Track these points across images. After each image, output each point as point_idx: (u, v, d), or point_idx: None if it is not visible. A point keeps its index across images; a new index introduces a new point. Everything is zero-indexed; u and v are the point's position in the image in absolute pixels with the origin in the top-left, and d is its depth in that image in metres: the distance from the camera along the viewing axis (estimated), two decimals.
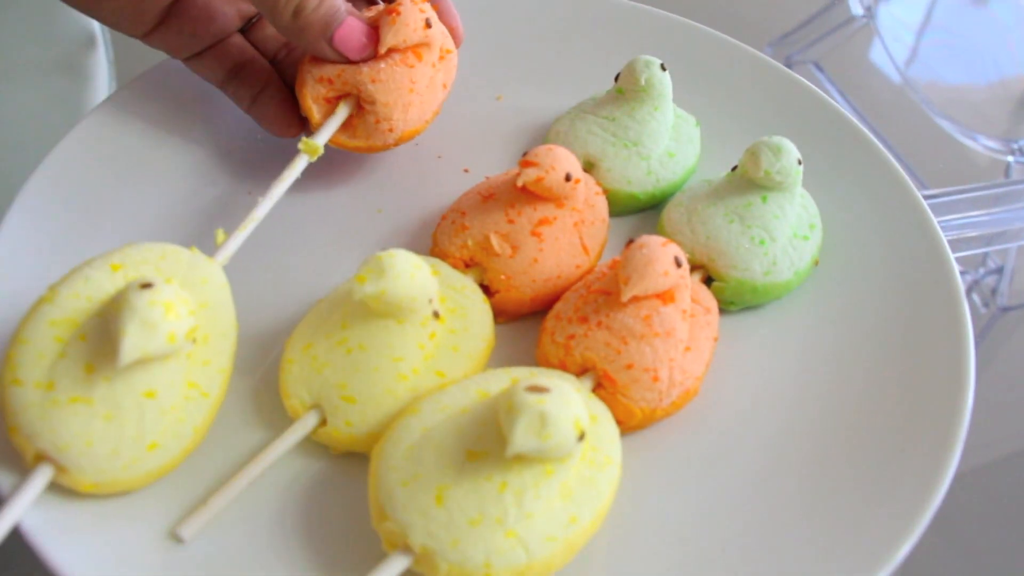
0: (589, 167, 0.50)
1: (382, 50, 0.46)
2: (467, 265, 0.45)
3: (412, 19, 0.46)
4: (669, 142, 0.51)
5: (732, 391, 0.43)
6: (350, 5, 0.47)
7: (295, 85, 0.48)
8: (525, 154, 0.44)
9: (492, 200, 0.45)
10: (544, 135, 0.54)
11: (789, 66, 0.70)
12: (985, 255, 0.62)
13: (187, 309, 0.37)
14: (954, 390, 0.42)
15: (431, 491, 0.35)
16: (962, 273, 0.48)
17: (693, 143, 0.52)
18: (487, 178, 0.48)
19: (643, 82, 0.50)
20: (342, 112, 0.47)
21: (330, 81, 0.47)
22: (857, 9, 0.75)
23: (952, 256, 0.47)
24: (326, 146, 0.46)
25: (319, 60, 0.47)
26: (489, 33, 0.58)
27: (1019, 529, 0.52)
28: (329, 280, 0.45)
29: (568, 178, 0.44)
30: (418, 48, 0.47)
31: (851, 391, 0.43)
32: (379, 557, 0.35)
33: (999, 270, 0.62)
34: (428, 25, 0.47)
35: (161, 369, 0.37)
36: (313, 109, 0.47)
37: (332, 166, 0.51)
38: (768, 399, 0.43)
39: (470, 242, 0.45)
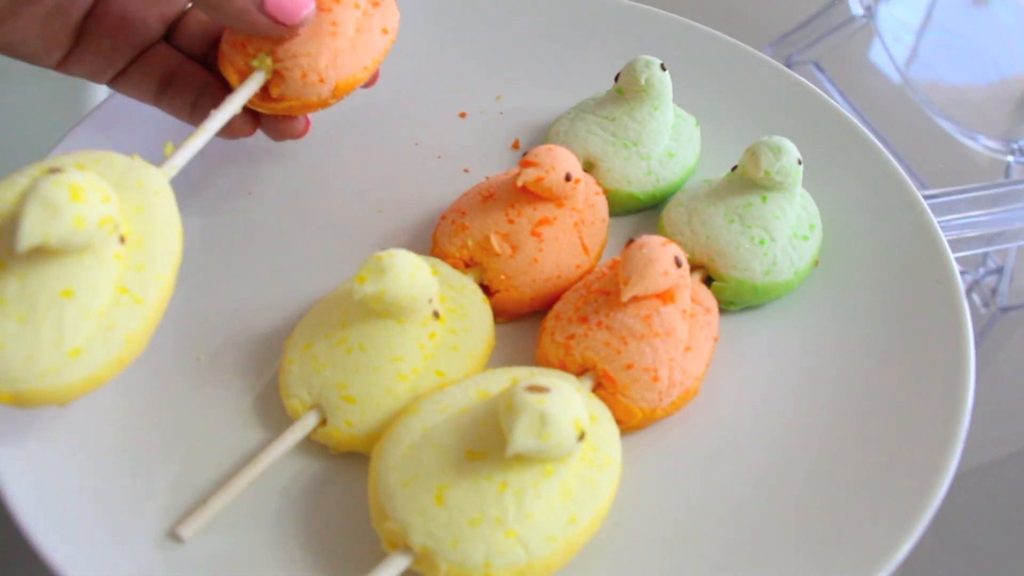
0: (589, 167, 0.50)
1: None
2: (467, 265, 0.45)
3: None
4: (669, 142, 0.51)
5: (732, 391, 0.44)
6: None
7: (218, 64, 0.44)
8: (525, 154, 0.44)
9: (492, 200, 0.45)
10: (544, 135, 0.54)
11: (789, 66, 0.70)
12: (985, 255, 0.62)
13: (100, 196, 0.34)
14: (954, 390, 0.42)
15: (431, 491, 0.35)
16: (962, 273, 0.48)
17: (693, 143, 0.52)
18: (487, 178, 0.48)
19: (643, 82, 0.50)
20: (257, 77, 0.43)
21: (244, 45, 0.43)
22: (857, 9, 0.75)
23: (952, 256, 0.47)
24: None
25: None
26: (489, 33, 0.58)
27: (1019, 529, 0.52)
28: (329, 280, 0.45)
29: (568, 178, 0.44)
30: None
31: (851, 391, 0.43)
32: (379, 557, 0.35)
33: (999, 270, 0.62)
34: None
35: (78, 265, 0.34)
36: (235, 80, 0.43)
37: (332, 166, 0.51)
38: (768, 399, 0.43)
39: (470, 242, 0.45)
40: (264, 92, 0.43)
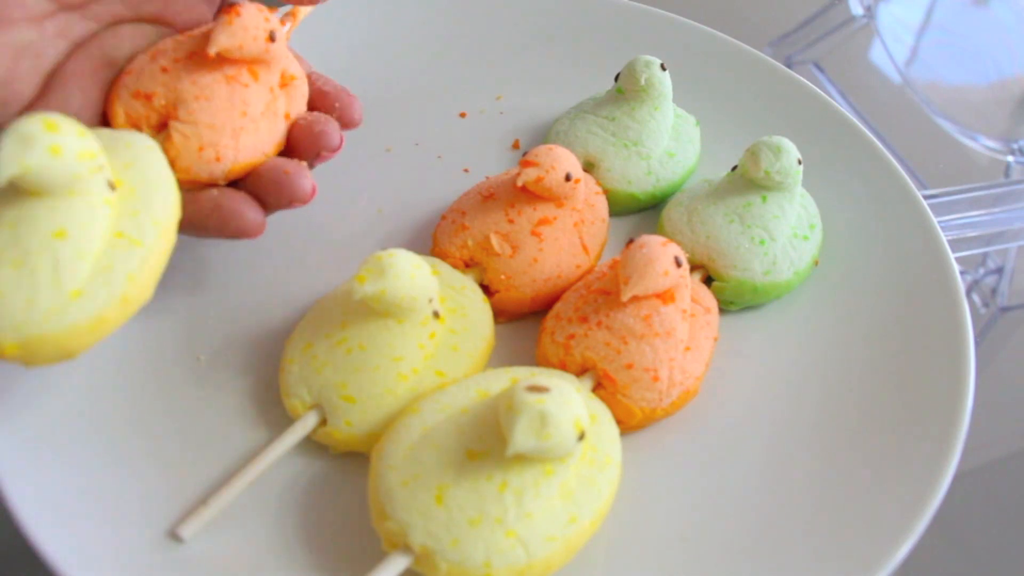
0: (589, 167, 0.50)
1: (212, 51, 0.38)
2: (467, 265, 0.45)
3: (253, 25, 0.39)
4: (669, 142, 0.51)
5: (732, 391, 0.44)
6: None
7: (105, 106, 0.40)
8: (525, 154, 0.44)
9: (492, 200, 0.45)
10: (544, 135, 0.54)
11: (789, 66, 0.70)
12: (985, 255, 0.62)
13: (76, 131, 0.33)
14: (954, 390, 0.42)
15: (431, 491, 0.35)
16: (962, 273, 0.48)
17: (693, 143, 0.52)
18: (487, 178, 0.48)
19: (643, 82, 0.50)
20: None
21: (148, 97, 0.39)
22: (857, 9, 0.75)
23: (952, 256, 0.47)
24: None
25: (139, 71, 0.40)
26: (489, 33, 0.58)
27: (1019, 529, 0.52)
28: (329, 280, 0.45)
29: (568, 178, 0.44)
30: (255, 65, 0.41)
31: (851, 391, 0.43)
32: (379, 557, 0.35)
33: (999, 270, 0.62)
34: (271, 38, 0.40)
35: (67, 206, 0.33)
36: (122, 122, 0.39)
37: (332, 166, 0.51)
38: (768, 399, 0.43)
39: (470, 242, 0.45)
40: None
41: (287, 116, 0.42)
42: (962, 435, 0.40)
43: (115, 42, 0.40)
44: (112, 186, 0.35)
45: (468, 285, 0.43)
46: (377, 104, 0.55)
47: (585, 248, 0.45)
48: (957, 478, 0.39)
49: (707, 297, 0.44)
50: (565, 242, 0.45)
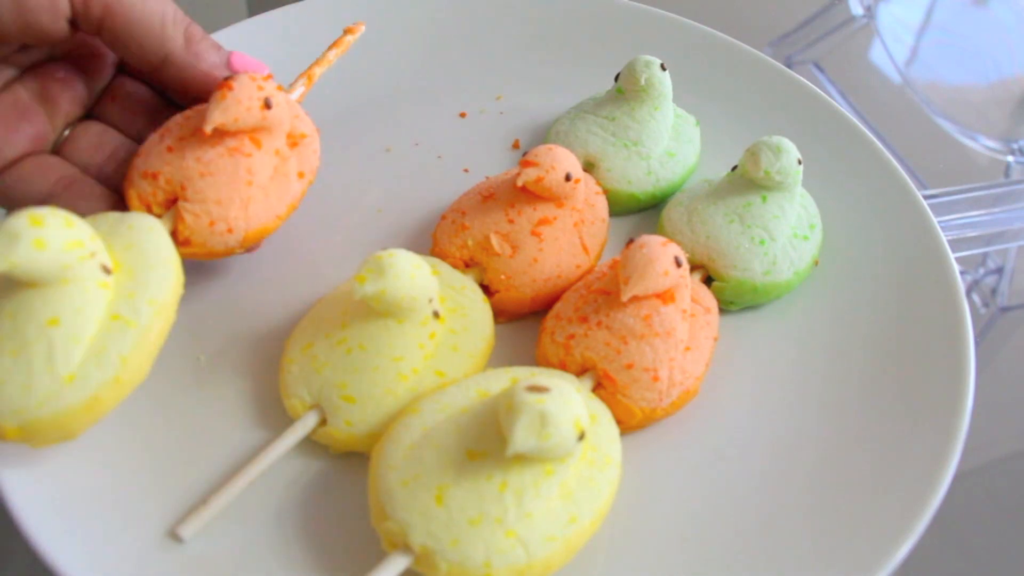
0: (589, 167, 0.50)
1: (208, 128, 0.39)
2: (467, 265, 0.45)
3: (246, 96, 0.40)
4: (669, 142, 0.51)
5: (732, 391, 0.44)
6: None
7: (123, 185, 0.41)
8: (525, 154, 0.44)
9: (492, 200, 0.45)
10: (544, 135, 0.54)
11: (789, 66, 0.70)
12: (985, 255, 0.62)
13: (62, 221, 0.34)
14: (954, 390, 0.42)
15: (431, 491, 0.35)
16: (962, 273, 0.48)
17: (693, 143, 0.52)
18: (487, 178, 0.48)
19: (643, 82, 0.50)
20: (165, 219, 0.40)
21: (154, 176, 0.40)
22: (857, 9, 0.75)
23: (952, 256, 0.47)
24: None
25: (148, 151, 0.41)
26: (489, 33, 0.58)
27: (1019, 529, 0.52)
28: (329, 280, 0.45)
29: (568, 178, 0.44)
30: (255, 133, 0.41)
31: (851, 391, 0.43)
32: (379, 557, 0.35)
33: (999, 270, 0.62)
34: (267, 105, 0.40)
35: (60, 294, 0.35)
36: (137, 205, 0.41)
37: (332, 166, 0.51)
38: (768, 399, 0.43)
39: (470, 242, 0.45)
40: (172, 235, 0.40)
41: (300, 175, 0.43)
42: (962, 435, 0.40)
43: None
44: (107, 270, 0.36)
45: (468, 285, 0.43)
46: (377, 104, 0.55)
47: (585, 248, 0.45)
48: (957, 478, 0.39)
49: (707, 297, 0.44)
50: (565, 242, 0.45)
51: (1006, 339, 0.61)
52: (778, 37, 0.74)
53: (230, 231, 0.41)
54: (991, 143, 0.68)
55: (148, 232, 0.38)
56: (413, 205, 0.50)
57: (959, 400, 0.41)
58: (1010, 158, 0.67)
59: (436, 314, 0.40)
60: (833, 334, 0.46)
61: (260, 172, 0.41)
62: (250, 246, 0.43)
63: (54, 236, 0.34)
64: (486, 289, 0.44)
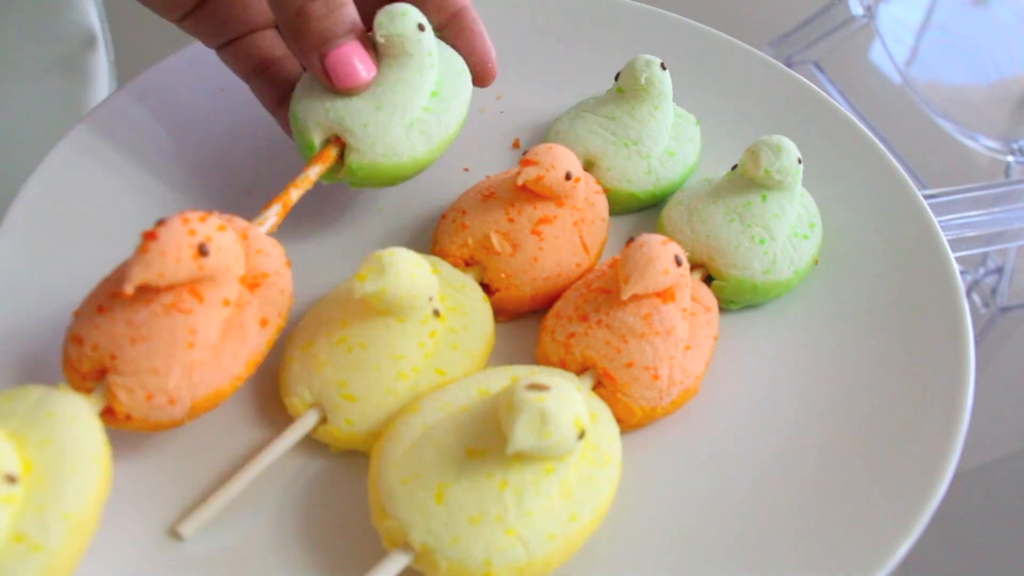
0: (589, 166, 0.50)
1: (128, 289, 0.33)
2: (467, 264, 0.45)
3: (174, 246, 0.34)
4: (669, 141, 0.51)
5: (732, 390, 0.44)
6: (361, 26, 0.42)
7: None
8: (525, 153, 0.44)
9: (492, 199, 0.45)
10: (544, 134, 0.54)
11: (789, 66, 0.70)
12: (985, 255, 0.62)
13: None
14: (954, 390, 0.42)
15: (431, 489, 0.35)
16: (962, 273, 0.48)
17: (693, 142, 0.52)
18: (487, 177, 0.48)
19: (643, 81, 0.50)
20: (93, 399, 0.35)
21: (80, 342, 0.35)
22: (857, 9, 0.75)
23: (952, 256, 0.47)
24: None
25: (80, 310, 0.36)
26: (489, 33, 0.58)
27: (1019, 529, 0.52)
28: (329, 279, 0.45)
29: (568, 177, 0.44)
30: (195, 286, 0.35)
31: (850, 390, 0.43)
32: (379, 555, 0.35)
33: (999, 270, 0.62)
34: (202, 252, 0.34)
35: None
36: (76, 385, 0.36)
37: None
38: (768, 398, 0.43)
39: (470, 241, 0.45)
40: (110, 411, 0.35)
41: (264, 322, 0.37)
42: (962, 435, 0.40)
43: None
44: (12, 479, 0.31)
45: (468, 284, 0.43)
46: None
47: (585, 247, 0.45)
48: (957, 478, 0.39)
49: (707, 296, 0.44)
50: (565, 241, 0.45)
51: (1006, 339, 0.61)
52: (778, 37, 0.75)
53: (172, 403, 0.35)
54: (991, 143, 0.68)
55: (70, 424, 0.33)
56: (413, 204, 0.50)
57: (959, 400, 0.41)
58: (1010, 158, 0.67)
59: (436, 313, 0.40)
60: (833, 333, 0.46)
61: (205, 330, 0.35)
62: (199, 414, 0.37)
63: None
64: (486, 288, 0.44)
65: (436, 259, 0.44)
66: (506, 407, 0.34)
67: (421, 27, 0.43)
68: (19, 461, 0.31)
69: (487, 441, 0.35)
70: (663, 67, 0.50)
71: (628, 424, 0.41)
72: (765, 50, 0.68)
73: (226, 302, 0.36)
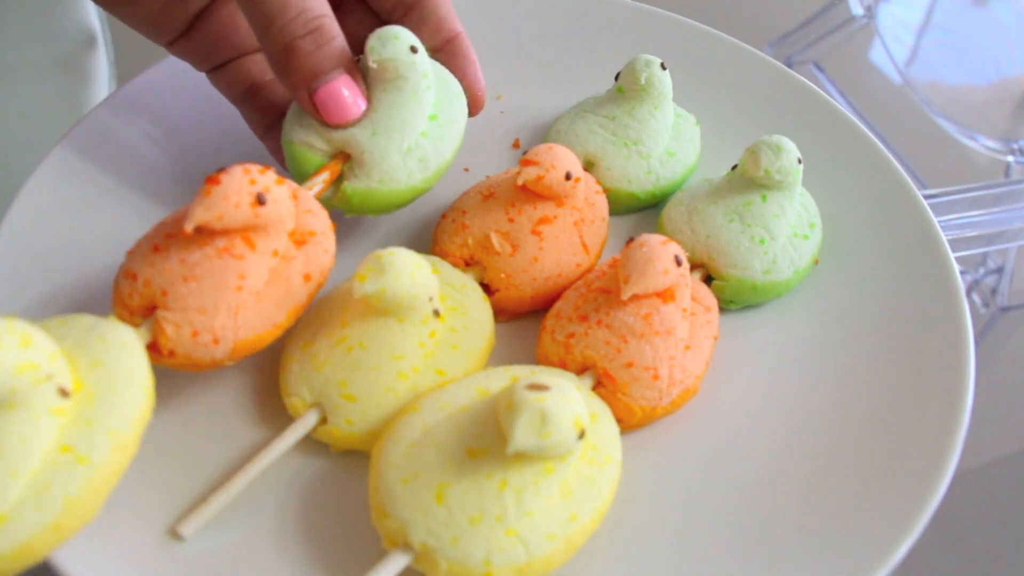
0: (589, 166, 0.50)
1: (188, 227, 0.35)
2: (467, 264, 0.45)
3: (234, 191, 0.36)
4: (669, 141, 0.51)
5: (732, 390, 0.44)
6: (351, 58, 0.42)
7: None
8: (525, 153, 0.44)
9: (492, 199, 0.45)
10: (544, 134, 0.54)
11: (789, 66, 0.70)
12: (985, 255, 0.62)
13: (18, 340, 0.31)
14: (954, 390, 0.42)
15: (431, 489, 0.35)
16: (962, 273, 0.48)
17: (693, 142, 0.52)
18: (487, 177, 0.48)
19: (643, 81, 0.50)
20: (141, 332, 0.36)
21: (134, 277, 0.36)
22: (857, 9, 0.75)
23: (952, 256, 0.47)
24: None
25: (136, 248, 0.38)
26: (489, 33, 0.58)
27: (1019, 529, 0.52)
28: (329, 279, 0.45)
29: (568, 177, 0.44)
30: (248, 233, 0.37)
31: (850, 390, 0.43)
32: (379, 555, 0.35)
33: (999, 270, 0.62)
34: (259, 202, 0.36)
35: (5, 421, 0.31)
36: (124, 316, 0.37)
37: None
38: (768, 398, 0.43)
39: (470, 241, 0.45)
40: (154, 346, 0.36)
41: (307, 277, 0.39)
42: (962, 435, 0.40)
43: None
44: (65, 393, 0.32)
45: (468, 284, 0.43)
46: None
47: (585, 247, 0.45)
48: (957, 478, 0.39)
49: (707, 296, 0.44)
50: (565, 241, 0.45)
51: (1006, 339, 0.61)
52: (778, 37, 0.75)
53: (216, 342, 0.36)
54: (991, 143, 0.68)
55: (120, 349, 0.34)
56: (413, 204, 0.50)
57: (959, 400, 0.41)
58: (1010, 158, 0.67)
59: (436, 313, 0.40)
60: (833, 333, 0.46)
61: (253, 276, 0.37)
62: (239, 358, 0.38)
63: (5, 358, 0.31)
64: (486, 288, 0.44)
65: (436, 259, 0.44)
66: (506, 407, 0.34)
67: (414, 49, 0.42)
68: (71, 379, 0.33)
69: (487, 441, 0.35)
70: (663, 67, 0.50)
71: (628, 424, 0.41)
72: (765, 50, 0.68)
73: (275, 253, 0.38)
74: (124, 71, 0.66)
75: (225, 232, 0.37)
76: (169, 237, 0.37)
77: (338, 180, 0.43)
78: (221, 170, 0.36)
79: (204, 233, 0.36)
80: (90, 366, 0.34)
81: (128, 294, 0.37)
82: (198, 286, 0.36)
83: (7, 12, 0.61)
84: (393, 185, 0.43)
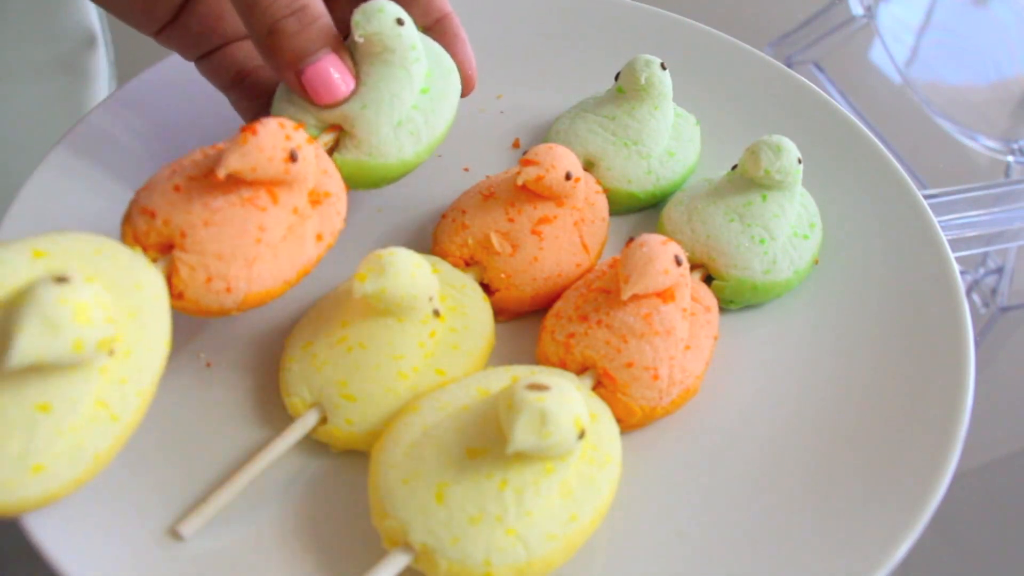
0: (589, 166, 0.50)
1: (221, 173, 0.35)
2: (467, 264, 0.45)
3: (270, 144, 0.36)
4: (669, 141, 0.51)
5: (732, 390, 0.44)
6: (337, 37, 0.41)
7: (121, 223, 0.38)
8: (525, 153, 0.44)
9: (492, 199, 0.45)
10: (544, 134, 0.54)
11: (789, 66, 0.70)
12: (985, 255, 0.62)
13: (105, 315, 0.32)
14: (954, 390, 0.42)
15: (431, 489, 0.35)
16: (962, 273, 0.48)
17: (693, 142, 0.52)
18: (487, 177, 0.48)
19: (643, 81, 0.50)
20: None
21: (152, 215, 0.36)
22: (857, 9, 0.75)
23: (952, 256, 0.47)
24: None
25: (153, 186, 0.37)
26: (489, 33, 0.58)
27: (1019, 529, 0.52)
28: (329, 279, 0.45)
29: (568, 177, 0.44)
30: (274, 187, 0.37)
31: (850, 390, 0.43)
32: (379, 555, 0.35)
33: (999, 270, 0.62)
34: (292, 158, 0.36)
35: (62, 380, 0.32)
36: (130, 239, 0.37)
37: None
38: (768, 398, 0.43)
39: (470, 241, 0.45)
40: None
41: (319, 238, 0.39)
42: (962, 435, 0.40)
43: None
44: (112, 352, 0.33)
45: (468, 284, 0.43)
46: None
47: (585, 247, 0.45)
48: (957, 478, 0.39)
49: (707, 296, 0.44)
50: (565, 241, 0.45)
51: (1006, 339, 0.61)
52: (778, 37, 0.75)
53: (228, 291, 0.36)
54: (991, 143, 0.68)
55: (154, 302, 0.35)
56: (413, 204, 0.50)
57: (959, 400, 0.41)
58: (1010, 158, 0.67)
59: (436, 313, 0.40)
60: (833, 333, 0.46)
61: (272, 230, 0.37)
62: (246, 309, 0.38)
63: (93, 336, 0.31)
64: (486, 288, 0.44)
65: (436, 259, 0.44)
66: (506, 407, 0.34)
67: (400, 21, 0.42)
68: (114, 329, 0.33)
69: (487, 441, 0.35)
70: (663, 67, 0.50)
71: (628, 424, 0.41)
72: (765, 50, 0.68)
73: (295, 210, 0.38)
74: (124, 71, 0.66)
75: (251, 183, 0.37)
76: (192, 179, 0.37)
77: (328, 153, 0.43)
78: (255, 121, 0.36)
79: (230, 181, 0.36)
80: (128, 316, 0.34)
81: (144, 231, 0.36)
82: (218, 232, 0.36)
83: (7, 12, 0.60)
84: (384, 159, 0.42)
